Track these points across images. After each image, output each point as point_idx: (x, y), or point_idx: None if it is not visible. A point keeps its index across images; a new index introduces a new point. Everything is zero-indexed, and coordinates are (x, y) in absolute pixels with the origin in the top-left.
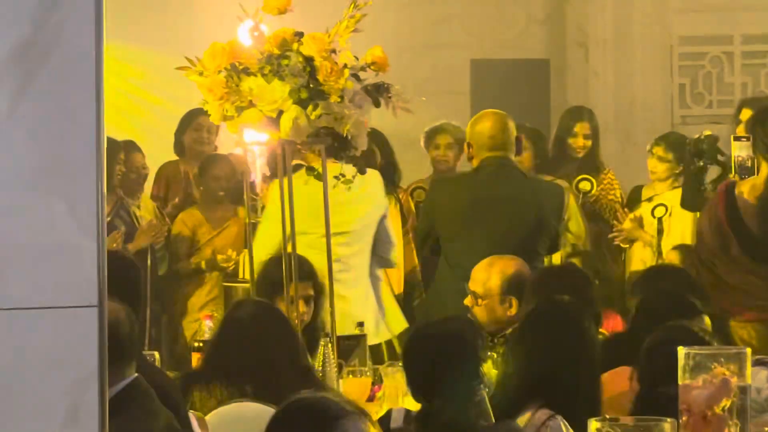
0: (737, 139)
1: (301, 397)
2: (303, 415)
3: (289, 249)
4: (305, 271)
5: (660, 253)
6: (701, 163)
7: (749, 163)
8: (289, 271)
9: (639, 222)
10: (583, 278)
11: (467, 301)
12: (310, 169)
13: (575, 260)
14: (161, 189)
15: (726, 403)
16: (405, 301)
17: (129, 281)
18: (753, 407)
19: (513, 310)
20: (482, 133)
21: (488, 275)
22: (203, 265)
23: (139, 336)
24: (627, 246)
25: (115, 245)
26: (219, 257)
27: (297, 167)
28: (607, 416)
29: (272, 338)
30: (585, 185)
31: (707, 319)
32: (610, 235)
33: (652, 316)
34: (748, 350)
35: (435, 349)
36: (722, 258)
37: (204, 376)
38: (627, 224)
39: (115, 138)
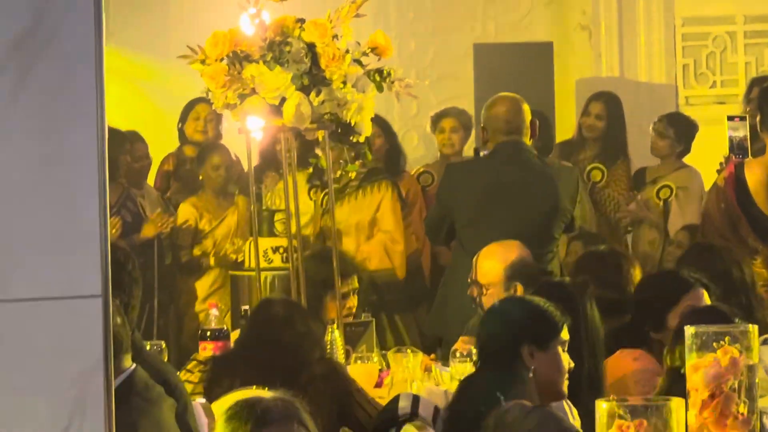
0: (731, 119)
1: (245, 399)
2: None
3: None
4: (349, 265)
5: (668, 235)
6: None
7: (745, 143)
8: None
9: (645, 203)
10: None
11: (470, 292)
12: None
13: (579, 243)
14: (164, 179)
15: (733, 381)
16: (406, 286)
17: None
18: (762, 386)
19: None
20: (497, 118)
21: (491, 264)
22: (206, 254)
23: (137, 326)
24: (632, 228)
25: (114, 231)
26: (228, 247)
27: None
28: (614, 397)
29: (301, 335)
30: (596, 174)
31: (703, 293)
32: (618, 214)
33: (644, 301)
34: (755, 328)
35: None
36: (731, 239)
37: (231, 372)
38: (633, 205)
39: (120, 129)
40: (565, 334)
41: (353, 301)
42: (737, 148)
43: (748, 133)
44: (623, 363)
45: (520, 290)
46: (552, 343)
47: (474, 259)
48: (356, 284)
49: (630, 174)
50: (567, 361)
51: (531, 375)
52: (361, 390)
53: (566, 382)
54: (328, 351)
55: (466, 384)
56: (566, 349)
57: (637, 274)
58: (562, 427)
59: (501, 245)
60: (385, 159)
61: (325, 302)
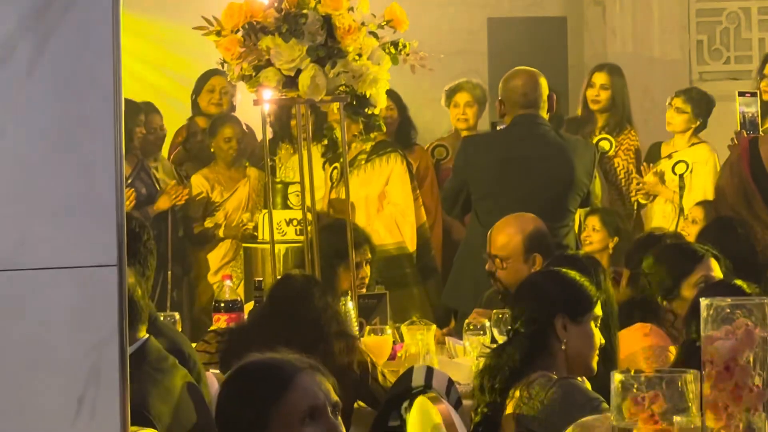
0: (742, 94)
1: (252, 360)
2: (257, 375)
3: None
4: (361, 236)
5: (682, 210)
6: None
7: (756, 120)
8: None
9: (660, 177)
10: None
11: (488, 266)
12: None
13: (595, 217)
14: (177, 151)
15: (749, 353)
16: (417, 260)
17: (140, 243)
18: None
19: (538, 267)
20: (515, 91)
21: (509, 236)
22: (218, 226)
23: (151, 297)
24: (647, 201)
25: (128, 202)
26: (243, 217)
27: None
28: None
29: (319, 310)
30: (604, 144)
31: (714, 263)
32: (633, 186)
33: (655, 271)
34: None
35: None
36: (745, 214)
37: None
38: (650, 177)
39: (134, 100)
40: (598, 310)
41: (366, 271)
42: (749, 125)
43: (759, 110)
44: (634, 338)
45: (539, 261)
46: (586, 317)
47: (489, 233)
48: (369, 254)
49: (638, 143)
50: (599, 338)
51: (563, 347)
52: (375, 365)
53: (596, 358)
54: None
55: (497, 353)
56: (598, 325)
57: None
58: (588, 397)
59: (516, 217)
60: (397, 132)
61: (338, 273)
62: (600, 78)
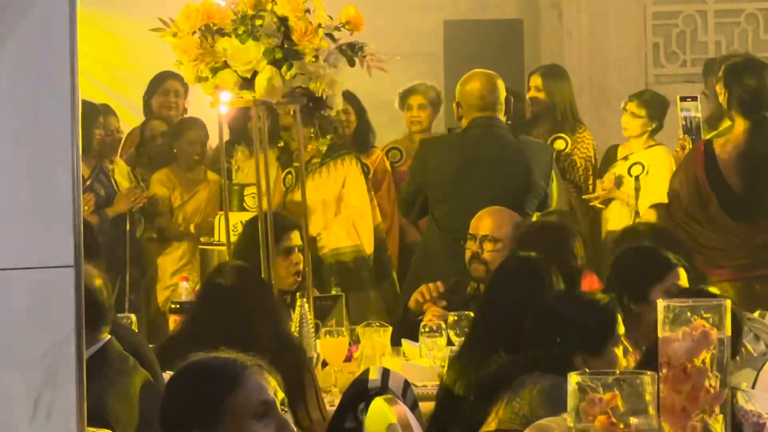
0: (684, 99)
1: (198, 359)
2: (205, 373)
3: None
4: (290, 222)
5: (637, 212)
6: None
7: (697, 124)
8: (267, 227)
9: (617, 180)
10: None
11: (473, 246)
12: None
13: (552, 219)
14: (131, 152)
15: (706, 355)
16: (374, 262)
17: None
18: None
19: None
20: (471, 93)
21: (500, 219)
22: (176, 228)
23: (114, 299)
24: (603, 207)
25: (87, 208)
26: (195, 220)
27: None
28: (588, 370)
29: (253, 303)
30: (560, 144)
31: (682, 273)
32: (585, 196)
33: (626, 273)
34: (728, 302)
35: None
36: (699, 217)
37: (183, 342)
38: (607, 184)
39: (92, 101)
40: (620, 329)
41: (298, 258)
42: (693, 129)
43: (701, 114)
44: None
45: None
46: (607, 347)
47: (473, 220)
48: (298, 241)
49: (593, 142)
50: (623, 362)
51: None
52: (315, 375)
53: None
54: (297, 325)
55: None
56: (619, 344)
57: (579, 248)
58: None
59: (499, 209)
60: (354, 135)
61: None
62: (535, 81)
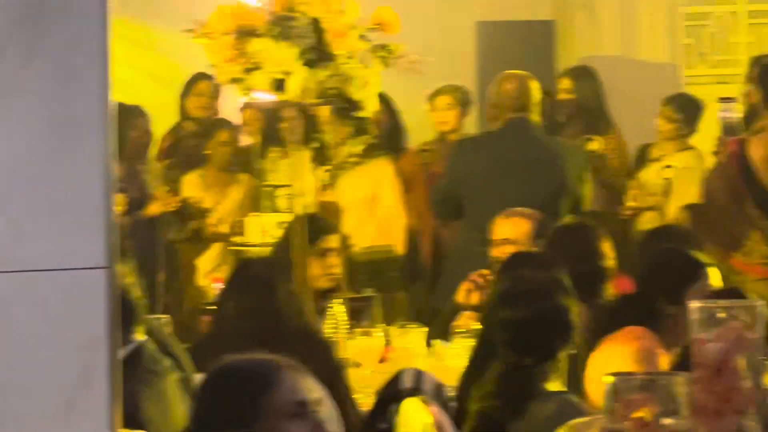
0: (723, 100)
1: (232, 361)
2: (240, 375)
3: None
4: (327, 224)
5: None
6: None
7: (737, 125)
8: (312, 228)
9: (646, 183)
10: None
11: (494, 252)
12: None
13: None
14: (165, 154)
15: (739, 356)
16: (406, 263)
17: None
18: None
19: None
20: (505, 94)
21: (517, 222)
22: (210, 230)
23: (148, 300)
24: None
25: (119, 209)
26: (231, 222)
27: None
28: (621, 371)
29: (282, 296)
30: (592, 145)
31: (715, 272)
32: (623, 209)
33: (659, 275)
34: (762, 303)
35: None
36: (734, 216)
37: (213, 344)
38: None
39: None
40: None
41: (334, 260)
42: (731, 130)
43: (742, 115)
44: (626, 339)
45: None
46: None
47: (491, 224)
48: (336, 243)
49: (624, 144)
50: None
51: None
52: (347, 376)
53: None
54: (332, 326)
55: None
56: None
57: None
58: (582, 412)
59: (514, 210)
60: (388, 136)
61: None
62: (564, 83)
